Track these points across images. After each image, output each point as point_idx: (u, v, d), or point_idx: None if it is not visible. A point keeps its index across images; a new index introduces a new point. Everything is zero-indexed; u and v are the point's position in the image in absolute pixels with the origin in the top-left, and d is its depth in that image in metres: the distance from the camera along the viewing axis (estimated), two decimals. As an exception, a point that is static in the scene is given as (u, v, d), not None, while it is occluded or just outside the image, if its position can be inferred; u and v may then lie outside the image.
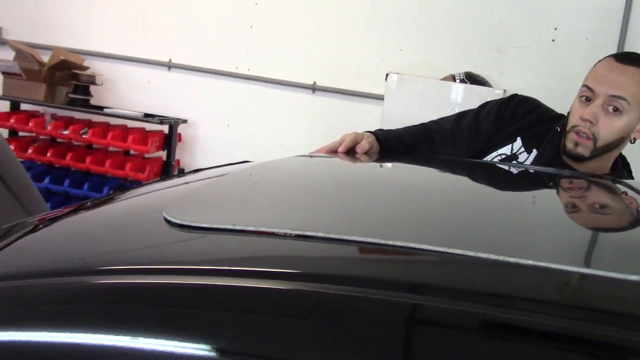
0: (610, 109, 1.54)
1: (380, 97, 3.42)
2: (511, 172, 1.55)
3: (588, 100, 1.58)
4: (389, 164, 1.46)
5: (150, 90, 4.02)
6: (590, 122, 1.55)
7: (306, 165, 1.15)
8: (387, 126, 1.85)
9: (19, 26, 4.19)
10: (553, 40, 3.41)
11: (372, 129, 1.71)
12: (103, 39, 4.05)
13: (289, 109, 3.84)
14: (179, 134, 3.82)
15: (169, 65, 3.99)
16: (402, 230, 0.75)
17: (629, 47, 3.27)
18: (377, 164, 1.42)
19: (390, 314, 0.53)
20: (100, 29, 4.06)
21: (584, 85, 1.60)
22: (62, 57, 3.69)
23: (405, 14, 3.59)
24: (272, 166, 1.02)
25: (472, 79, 3.27)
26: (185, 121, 3.85)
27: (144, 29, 4.00)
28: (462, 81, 3.24)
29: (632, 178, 1.75)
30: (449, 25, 3.53)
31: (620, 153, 1.75)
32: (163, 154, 3.78)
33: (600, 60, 1.63)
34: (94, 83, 3.79)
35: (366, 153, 1.52)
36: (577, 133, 1.58)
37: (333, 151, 1.47)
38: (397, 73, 3.29)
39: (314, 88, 3.78)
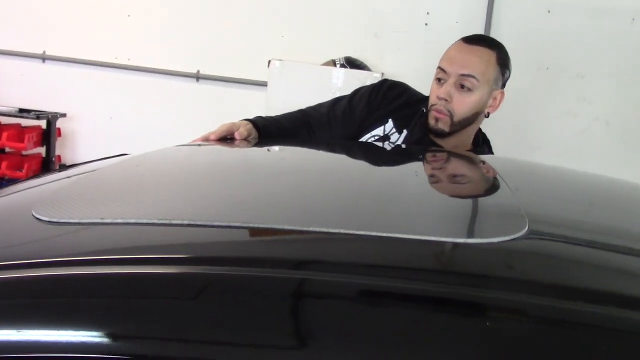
0: (462, 86, 1.67)
1: (264, 84, 3.45)
2: (378, 151, 1.64)
3: (441, 80, 1.70)
4: (265, 149, 1.51)
5: (24, 84, 3.83)
6: (445, 100, 1.68)
7: (178, 156, 1.17)
8: (271, 112, 1.90)
9: None
10: (426, 24, 3.58)
11: (258, 116, 1.76)
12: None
13: (173, 98, 3.79)
14: (58, 129, 3.68)
15: (43, 58, 3.83)
16: (263, 212, 0.80)
17: (494, 28, 3.50)
18: (253, 149, 1.46)
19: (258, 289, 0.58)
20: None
21: (438, 67, 1.72)
22: None
23: (285, 1, 3.63)
24: (142, 158, 1.03)
25: (351, 63, 3.37)
26: (64, 115, 3.71)
27: (14, 18, 3.81)
28: (342, 66, 3.34)
29: (492, 153, 1.90)
30: (328, 11, 3.62)
31: (481, 130, 1.90)
32: (42, 150, 3.63)
33: (452, 44, 1.76)
34: (-41, 78, 3.57)
35: (245, 140, 1.56)
36: (437, 111, 1.70)
37: (208, 140, 1.50)
38: (279, 60, 3.33)
39: (197, 77, 3.75)
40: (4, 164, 3.37)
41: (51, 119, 3.55)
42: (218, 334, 0.54)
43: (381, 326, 0.53)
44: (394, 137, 1.84)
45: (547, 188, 1.07)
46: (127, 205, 0.76)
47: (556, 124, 3.53)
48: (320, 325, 0.54)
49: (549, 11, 3.47)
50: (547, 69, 3.52)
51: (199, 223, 0.69)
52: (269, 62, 3.32)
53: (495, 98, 1.75)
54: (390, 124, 1.86)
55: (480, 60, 1.69)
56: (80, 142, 3.87)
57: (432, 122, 1.73)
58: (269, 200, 0.88)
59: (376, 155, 1.57)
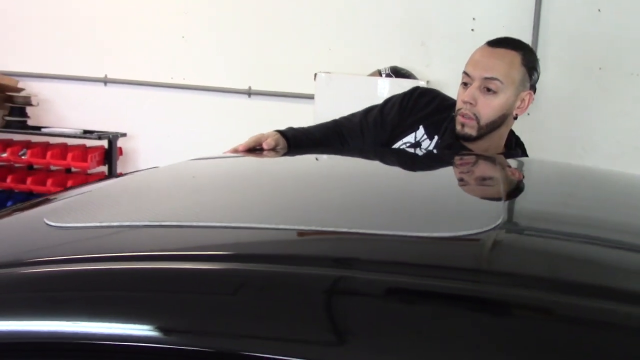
0: (487, 89, 1.68)
1: (312, 97, 3.52)
2: (408, 157, 1.67)
3: (467, 85, 1.71)
4: (289, 157, 1.56)
5: (88, 107, 4.05)
6: (470, 103, 1.69)
7: (199, 167, 1.24)
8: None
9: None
10: (472, 29, 3.56)
11: (289, 127, 1.82)
12: (37, 60, 4.07)
13: (226, 114, 3.91)
14: (120, 148, 3.87)
15: (105, 81, 4.03)
16: (269, 214, 0.84)
17: (543, 31, 3.45)
18: (276, 158, 1.51)
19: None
20: (34, 49, 4.07)
21: (464, 72, 1.74)
22: (-5, 81, 3.71)
23: (331, 14, 3.70)
24: (158, 172, 1.11)
25: (397, 72, 3.39)
26: (124, 134, 3.89)
27: (77, 46, 4.03)
28: (388, 75, 3.36)
29: (526, 155, 1.89)
30: (373, 22, 3.66)
31: (513, 132, 1.90)
32: (105, 169, 3.82)
33: (477, 48, 1.77)
34: (29, 104, 3.81)
35: (273, 150, 1.62)
36: (462, 115, 1.72)
37: (237, 151, 1.57)
38: (325, 72, 3.40)
39: (249, 92, 3.87)
40: (70, 182, 3.57)
41: (112, 138, 3.73)
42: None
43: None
44: (425, 144, 1.87)
45: (553, 186, 1.08)
46: (126, 209, 0.83)
47: (610, 125, 3.44)
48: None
49: (599, 10, 3.40)
50: (600, 69, 3.44)
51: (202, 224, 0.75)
52: (315, 75, 3.39)
53: (523, 100, 1.75)
54: (421, 130, 1.88)
55: (504, 63, 1.70)
56: (141, 159, 4.04)
57: (458, 127, 1.74)
58: (282, 204, 0.93)
59: (393, 160, 1.60)
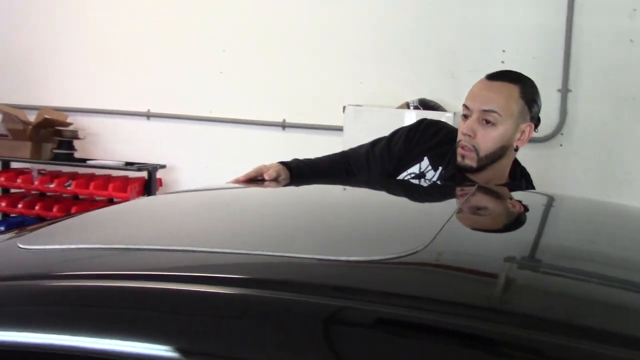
0: (485, 122, 1.71)
1: (341, 129, 3.59)
2: (403, 186, 1.71)
3: (467, 117, 1.75)
4: (286, 187, 1.62)
5: (131, 140, 4.24)
6: (469, 135, 1.72)
7: (192, 197, 1.32)
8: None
9: (7, 89, 4.46)
10: (502, 62, 3.57)
11: (294, 159, 1.89)
12: (85, 96, 4.30)
13: (262, 146, 4.02)
14: (159, 179, 4.02)
15: (148, 115, 4.22)
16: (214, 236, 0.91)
17: (574, 61, 3.43)
18: (270, 188, 1.58)
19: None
20: (82, 86, 4.31)
21: (463, 105, 1.77)
22: (45, 116, 3.94)
23: (362, 49, 3.78)
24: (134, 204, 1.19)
25: (425, 104, 3.43)
26: (163, 166, 4.05)
27: (122, 82, 4.25)
28: (415, 108, 3.41)
29: (533, 187, 1.89)
30: (404, 55, 3.72)
31: (519, 164, 1.91)
32: (146, 199, 3.97)
33: (476, 82, 1.80)
34: (76, 137, 4.03)
35: (275, 180, 1.69)
36: (462, 147, 1.75)
37: (238, 181, 1.64)
38: (354, 105, 3.47)
39: (283, 125, 3.97)
40: (111, 212, 3.72)
41: (151, 170, 3.89)
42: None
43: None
44: (430, 175, 1.90)
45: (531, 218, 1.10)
46: (89, 233, 0.91)
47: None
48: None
49: (631, 40, 3.36)
50: (634, 99, 3.39)
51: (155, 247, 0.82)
52: (344, 107, 3.46)
53: (523, 131, 1.77)
54: (425, 161, 1.92)
55: (501, 96, 1.73)
56: (180, 190, 4.18)
57: (459, 159, 1.77)
58: (254, 229, 0.99)
59: (387, 189, 1.64)
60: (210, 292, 0.66)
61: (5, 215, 4.13)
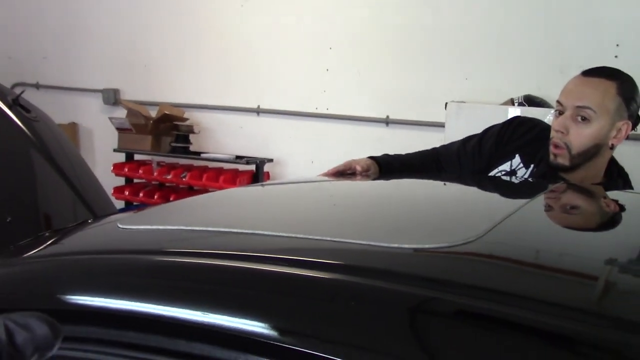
0: (579, 118, 1.67)
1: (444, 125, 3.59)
2: (492, 184, 1.72)
3: (561, 114, 1.72)
4: (374, 181, 1.69)
5: (242, 134, 4.46)
6: (562, 132, 1.69)
7: (279, 188, 1.42)
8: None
9: (133, 87, 4.83)
10: (616, 56, 3.42)
11: (385, 154, 1.95)
12: (201, 93, 4.57)
13: (366, 142, 4.09)
14: (267, 172, 4.21)
15: (258, 111, 4.42)
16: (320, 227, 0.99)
17: (695, 56, 3.23)
18: (360, 181, 1.65)
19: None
20: (198, 84, 4.58)
21: (557, 101, 1.74)
22: (165, 112, 4.23)
23: (468, 44, 3.76)
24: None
25: (530, 101, 3.36)
26: (270, 160, 4.23)
27: (234, 80, 4.47)
28: (520, 104, 3.35)
29: (631, 187, 1.83)
30: (511, 50, 3.66)
31: (616, 163, 1.85)
32: (254, 191, 4.16)
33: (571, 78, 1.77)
34: (192, 132, 4.29)
35: (365, 174, 1.76)
36: (554, 145, 1.72)
37: (328, 174, 1.73)
38: (457, 102, 3.46)
39: (387, 121, 4.02)
40: (221, 203, 3.95)
41: (259, 164, 4.08)
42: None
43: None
44: (521, 172, 1.89)
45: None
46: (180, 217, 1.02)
47: None
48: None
49: None
50: None
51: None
52: (446, 104, 3.46)
53: (619, 129, 1.71)
54: (517, 159, 1.91)
55: (597, 92, 1.69)
56: (286, 184, 4.35)
57: (551, 157, 1.75)
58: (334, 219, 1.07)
59: (474, 185, 1.66)
60: (295, 274, 0.74)
61: (128, 203, 4.48)
